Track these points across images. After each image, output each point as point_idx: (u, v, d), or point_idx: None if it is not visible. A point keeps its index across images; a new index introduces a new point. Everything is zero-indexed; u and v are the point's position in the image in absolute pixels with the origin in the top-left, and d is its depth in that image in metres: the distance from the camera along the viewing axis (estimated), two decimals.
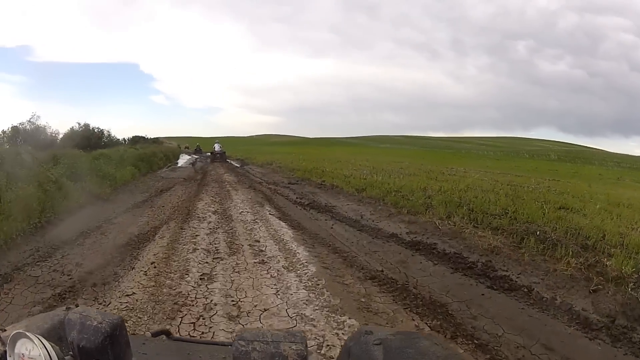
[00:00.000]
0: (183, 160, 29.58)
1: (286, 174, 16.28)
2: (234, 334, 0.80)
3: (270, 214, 7.76)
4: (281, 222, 7.00)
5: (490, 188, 11.42)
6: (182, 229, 6.47)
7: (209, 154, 27.49)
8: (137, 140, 34.50)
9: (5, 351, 0.66)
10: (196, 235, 6.02)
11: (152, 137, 43.25)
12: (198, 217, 7.37)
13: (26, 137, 23.02)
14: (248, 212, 7.84)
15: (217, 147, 25.94)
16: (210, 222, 6.98)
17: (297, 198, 10.08)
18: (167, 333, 1.02)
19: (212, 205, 8.58)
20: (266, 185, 12.59)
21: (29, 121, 23.73)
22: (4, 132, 23.13)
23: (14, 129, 23.38)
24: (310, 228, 6.68)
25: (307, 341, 0.67)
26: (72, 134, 27.25)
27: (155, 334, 1.01)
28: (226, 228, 6.52)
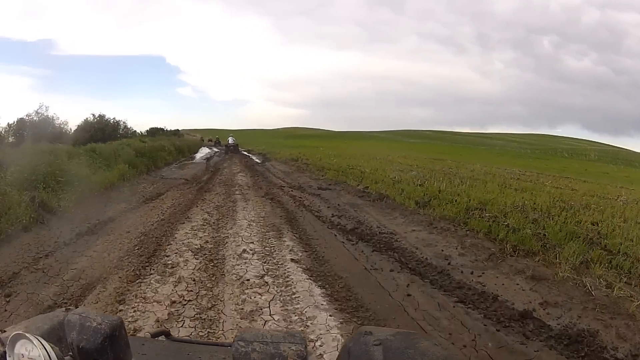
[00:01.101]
0: (201, 154, 26.95)
1: (315, 175, 12.96)
2: (234, 335, 0.66)
3: (292, 259, 4.42)
4: (312, 285, 3.65)
5: (583, 203, 8.04)
6: (120, 301, 3.26)
7: (226, 145, 29.39)
8: (155, 132, 32.31)
9: (5, 352, 0.65)
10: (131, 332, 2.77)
11: (172, 129, 41.48)
12: (164, 264, 4.14)
13: (33, 129, 21.02)
14: (254, 254, 4.53)
15: (230, 140, 28.32)
16: (178, 280, 3.72)
17: (333, 216, 6.75)
18: (167, 334, 0.99)
19: (200, 233, 5.35)
20: (289, 192, 9.31)
21: (37, 112, 21.72)
22: (9, 124, 21.19)
23: (20, 121, 21.39)
24: (372, 302, 3.33)
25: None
26: (85, 126, 25.39)
27: (155, 335, 0.98)
28: (203, 304, 3.23)
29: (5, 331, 0.70)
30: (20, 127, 21.24)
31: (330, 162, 16.67)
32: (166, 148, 17.64)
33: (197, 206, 7.17)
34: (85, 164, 9.80)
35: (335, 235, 5.62)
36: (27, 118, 21.44)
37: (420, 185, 10.09)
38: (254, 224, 5.88)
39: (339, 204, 7.96)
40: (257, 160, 20.89)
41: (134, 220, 6.24)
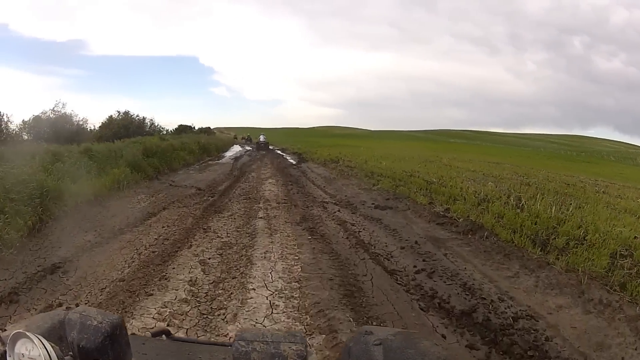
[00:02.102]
0: (230, 152, 24.79)
1: (365, 183, 10.02)
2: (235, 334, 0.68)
3: None
4: None
5: None
6: None
7: (257, 142, 29.90)
8: (182, 129, 30.65)
9: (5, 351, 0.64)
10: None
11: (204, 126, 40.39)
12: None
13: (49, 127, 19.52)
14: None
15: (261, 137, 28.83)
16: None
17: (418, 272, 3.89)
18: (167, 333, 0.97)
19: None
20: (335, 213, 6.46)
21: (52, 109, 20.18)
22: (24, 122, 19.87)
23: (36, 118, 19.95)
24: None
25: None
26: (109, 123, 24.10)
27: (155, 334, 0.96)
28: None
29: (5, 330, 0.68)
30: (37, 125, 19.73)
31: (379, 165, 13.66)
32: (187, 147, 15.30)
33: (191, 244, 4.45)
34: (68, 170, 7.44)
35: (444, 338, 2.68)
36: (42, 115, 19.85)
37: (518, 207, 6.93)
38: (282, 305, 3.02)
39: (416, 241, 5.02)
40: (291, 160, 18.21)
41: (81, 275, 3.63)
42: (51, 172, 6.95)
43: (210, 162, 16.22)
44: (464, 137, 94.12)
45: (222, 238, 4.74)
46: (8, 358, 0.64)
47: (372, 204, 7.45)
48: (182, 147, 14.42)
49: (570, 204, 7.37)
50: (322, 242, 4.69)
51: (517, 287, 3.91)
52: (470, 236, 5.48)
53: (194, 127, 32.67)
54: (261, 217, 5.93)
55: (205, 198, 7.42)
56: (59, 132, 17.90)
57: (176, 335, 1.05)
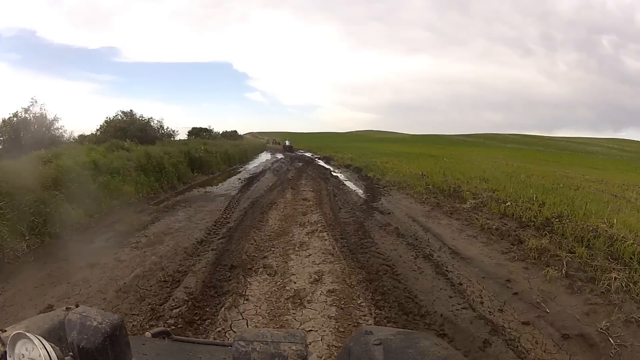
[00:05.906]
0: (252, 165, 17.96)
1: None
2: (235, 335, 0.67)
3: None
4: None
5: None
6: None
7: (283, 146, 32.10)
8: (196, 132, 23.79)
9: (6, 352, 0.63)
10: None
11: (229, 130, 34.72)
12: None
13: (13, 133, 14.63)
14: None
15: (287, 142, 32.83)
16: None
17: None
18: (167, 333, 0.95)
19: None
20: None
21: (26, 110, 15.37)
22: None
23: (7, 122, 14.93)
24: None
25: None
26: (107, 127, 18.73)
27: (156, 334, 0.94)
28: None
29: (5, 330, 0.67)
30: (15, 128, 14.70)
31: (555, 209, 5.44)
32: (129, 165, 7.64)
33: None
34: None
35: None
36: (14, 118, 14.78)
37: None
38: None
39: None
40: (354, 188, 9.92)
41: None
42: None
43: (195, 191, 8.83)
44: (517, 141, 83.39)
45: None
46: (8, 358, 0.61)
47: None
48: (119, 170, 6.84)
49: None
50: None
51: None
52: None
53: (212, 130, 25.75)
54: None
55: None
56: (37, 138, 13.56)
57: (176, 335, 0.99)
